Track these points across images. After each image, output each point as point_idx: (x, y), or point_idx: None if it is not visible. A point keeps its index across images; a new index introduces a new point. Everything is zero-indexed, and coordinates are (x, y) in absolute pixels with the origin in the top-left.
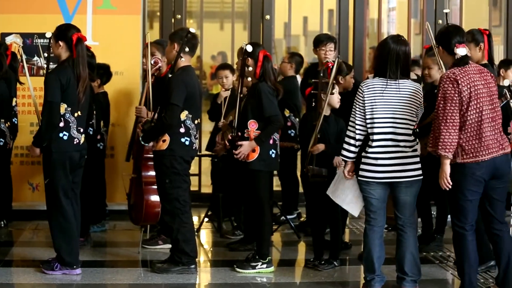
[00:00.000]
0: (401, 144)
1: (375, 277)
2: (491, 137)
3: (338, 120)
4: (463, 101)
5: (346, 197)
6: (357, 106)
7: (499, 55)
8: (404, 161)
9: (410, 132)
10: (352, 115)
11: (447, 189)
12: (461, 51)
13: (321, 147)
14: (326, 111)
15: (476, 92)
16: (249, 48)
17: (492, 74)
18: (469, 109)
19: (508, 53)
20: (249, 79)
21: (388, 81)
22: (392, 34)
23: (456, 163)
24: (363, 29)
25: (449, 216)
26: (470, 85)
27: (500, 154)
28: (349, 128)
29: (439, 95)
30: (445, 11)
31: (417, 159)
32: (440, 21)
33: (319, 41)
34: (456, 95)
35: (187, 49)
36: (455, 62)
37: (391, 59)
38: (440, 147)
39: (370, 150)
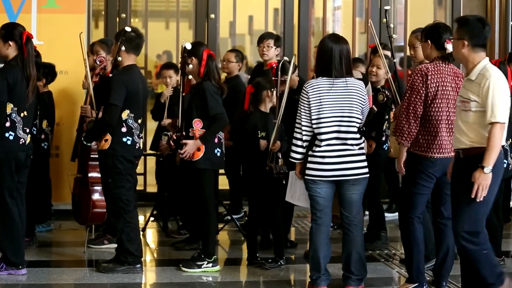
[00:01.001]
0: (348, 142)
1: (321, 275)
2: (446, 138)
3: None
4: (428, 96)
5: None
6: (302, 107)
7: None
8: (350, 159)
9: (357, 130)
10: (297, 117)
11: (403, 174)
12: (450, 47)
13: (278, 145)
14: (267, 109)
15: (443, 92)
16: (188, 46)
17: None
18: (432, 105)
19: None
20: (190, 77)
21: (335, 80)
22: (329, 34)
23: (411, 153)
24: (308, 27)
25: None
26: (439, 83)
27: (450, 156)
28: (296, 129)
29: (408, 85)
30: (385, 8)
31: (364, 157)
32: (385, 20)
33: (259, 38)
34: (423, 88)
35: (123, 48)
36: (444, 56)
37: (335, 58)
38: (398, 135)
39: (318, 149)
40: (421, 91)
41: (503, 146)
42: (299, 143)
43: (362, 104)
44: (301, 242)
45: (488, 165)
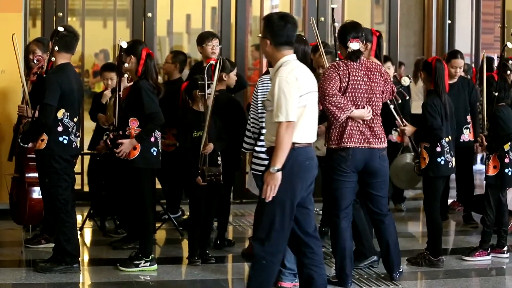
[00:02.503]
0: None
1: (283, 270)
2: (356, 130)
3: (215, 117)
4: (341, 87)
5: None
6: (252, 100)
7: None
8: None
9: None
10: (250, 109)
11: None
12: (353, 45)
13: (210, 147)
14: (199, 108)
15: (353, 86)
16: (124, 45)
17: (383, 75)
18: (345, 96)
19: (390, 50)
20: (126, 75)
21: None
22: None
23: (329, 149)
24: (246, 26)
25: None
26: (350, 78)
27: (363, 147)
28: (248, 121)
29: (321, 79)
30: (332, 6)
31: None
32: (323, 18)
33: (204, 37)
34: (337, 77)
35: (56, 48)
36: (347, 55)
37: None
38: (337, 113)
39: (260, 143)
40: (335, 78)
41: (441, 144)
42: (248, 134)
43: None
44: (238, 240)
45: (274, 165)
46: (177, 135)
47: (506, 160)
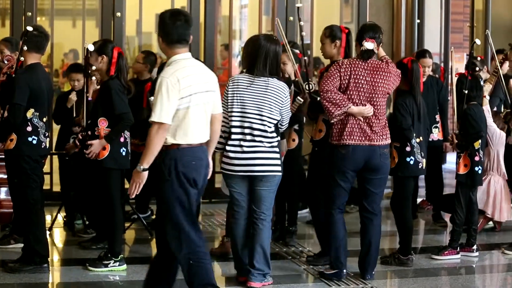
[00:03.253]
0: (259, 139)
1: (243, 267)
2: (357, 127)
3: None
4: (342, 84)
5: None
6: (223, 100)
7: None
8: (260, 155)
9: (270, 129)
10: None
11: None
12: (368, 44)
13: None
14: None
15: (355, 84)
16: (91, 47)
17: (391, 73)
18: (345, 94)
19: None
20: (94, 78)
21: (255, 78)
22: (265, 33)
23: (330, 144)
24: (214, 26)
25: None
26: (351, 76)
27: (364, 144)
28: None
29: (324, 75)
30: (297, 5)
31: (276, 155)
32: (291, 18)
33: None
34: (337, 75)
35: (25, 48)
36: (360, 53)
37: (260, 56)
38: (331, 108)
39: (230, 143)
40: (336, 76)
41: (411, 144)
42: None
43: (280, 105)
44: (208, 240)
45: (141, 164)
46: (142, 136)
47: (477, 159)
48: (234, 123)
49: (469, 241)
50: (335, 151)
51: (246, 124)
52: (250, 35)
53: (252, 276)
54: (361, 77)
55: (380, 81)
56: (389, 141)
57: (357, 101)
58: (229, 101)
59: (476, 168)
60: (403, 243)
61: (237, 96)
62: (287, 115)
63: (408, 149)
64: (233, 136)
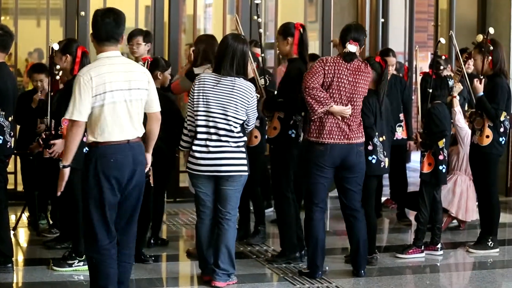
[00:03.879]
0: (224, 139)
1: (207, 266)
2: (336, 126)
3: None
4: (325, 82)
5: None
6: (189, 98)
7: (315, 50)
8: (226, 155)
9: (236, 129)
10: (187, 108)
11: None
12: (351, 47)
13: None
14: None
15: (337, 83)
16: (56, 46)
17: (369, 75)
18: (328, 92)
19: (323, 49)
20: (58, 77)
21: (222, 78)
22: (233, 32)
23: (307, 141)
24: (179, 25)
25: (267, 210)
26: (335, 74)
27: (343, 143)
28: (185, 120)
29: (307, 71)
30: (256, 2)
31: (242, 155)
32: (256, 17)
33: (129, 36)
34: (322, 72)
35: None
36: (342, 55)
37: (227, 56)
38: (315, 106)
39: (196, 142)
40: (320, 72)
41: (373, 142)
42: (185, 132)
43: (246, 105)
44: (173, 240)
45: (62, 161)
46: None
47: (441, 157)
48: (199, 123)
49: (433, 239)
50: (312, 147)
51: (211, 124)
52: (214, 34)
53: (216, 276)
54: (344, 77)
55: (361, 82)
56: (364, 138)
57: (338, 100)
58: (194, 100)
59: (441, 167)
60: (367, 242)
61: (202, 96)
62: (254, 115)
63: (370, 147)
64: (198, 136)
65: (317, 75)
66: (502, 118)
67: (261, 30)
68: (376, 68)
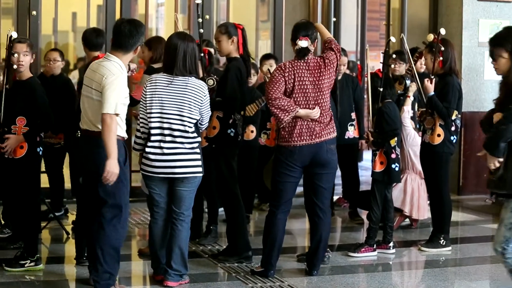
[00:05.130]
0: (179, 140)
1: (160, 266)
2: (306, 128)
3: None
4: (287, 88)
5: None
6: (141, 100)
7: (267, 49)
8: (180, 157)
9: (191, 129)
10: (139, 110)
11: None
12: (302, 43)
13: None
14: None
15: (300, 87)
16: (15, 34)
17: (330, 65)
18: (291, 97)
19: (275, 48)
20: (15, 66)
21: (174, 78)
22: (178, 31)
23: (278, 146)
24: None
25: (220, 208)
26: (295, 79)
27: (313, 143)
28: (138, 122)
29: (268, 81)
30: (196, 1)
31: (197, 156)
32: (208, 16)
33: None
34: (282, 80)
35: None
36: (295, 52)
37: (178, 56)
38: (281, 115)
39: (149, 144)
40: (281, 81)
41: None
42: (138, 134)
43: (199, 104)
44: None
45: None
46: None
47: (393, 156)
48: (153, 124)
49: (385, 238)
50: (281, 148)
51: (166, 125)
52: (166, 33)
53: (168, 276)
54: (305, 79)
55: (324, 78)
56: (335, 134)
57: (303, 103)
58: (147, 102)
59: (393, 166)
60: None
61: (155, 97)
62: (207, 114)
63: None
64: (152, 138)
65: (277, 84)
66: (453, 117)
67: (202, 30)
68: None
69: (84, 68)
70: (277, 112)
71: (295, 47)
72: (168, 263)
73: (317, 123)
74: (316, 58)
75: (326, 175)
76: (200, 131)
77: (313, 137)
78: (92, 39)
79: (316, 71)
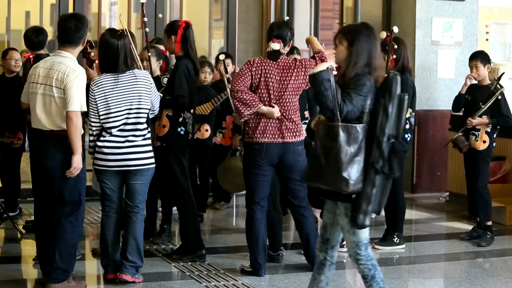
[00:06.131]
0: (131, 133)
1: (109, 262)
2: (269, 125)
3: None
4: (253, 83)
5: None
6: (89, 104)
7: (221, 48)
8: (134, 149)
9: (143, 121)
10: (89, 110)
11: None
12: (274, 45)
13: None
14: None
15: (266, 84)
16: None
17: (305, 68)
18: (256, 92)
19: (229, 47)
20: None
21: (120, 75)
22: (109, 29)
23: (245, 142)
24: None
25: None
26: (262, 75)
27: (277, 142)
28: (88, 124)
29: (236, 74)
30: (141, 1)
31: (149, 148)
32: (161, 15)
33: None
34: (249, 74)
35: None
36: (267, 54)
37: (120, 54)
38: (241, 108)
39: (103, 139)
40: (247, 74)
41: None
42: (92, 138)
43: (148, 93)
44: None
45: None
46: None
47: None
48: (110, 124)
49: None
50: (249, 147)
51: (122, 121)
52: None
53: (124, 269)
54: (272, 76)
55: (292, 78)
56: (302, 137)
57: (267, 100)
58: (98, 102)
59: None
60: (271, 239)
61: (105, 96)
62: (157, 100)
63: None
64: (108, 135)
65: (243, 77)
66: (407, 115)
67: (147, 29)
68: None
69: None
70: (238, 105)
71: (267, 48)
72: (123, 255)
73: (282, 123)
74: (288, 59)
75: (294, 178)
76: (151, 116)
77: (276, 136)
78: (33, 39)
79: (285, 70)
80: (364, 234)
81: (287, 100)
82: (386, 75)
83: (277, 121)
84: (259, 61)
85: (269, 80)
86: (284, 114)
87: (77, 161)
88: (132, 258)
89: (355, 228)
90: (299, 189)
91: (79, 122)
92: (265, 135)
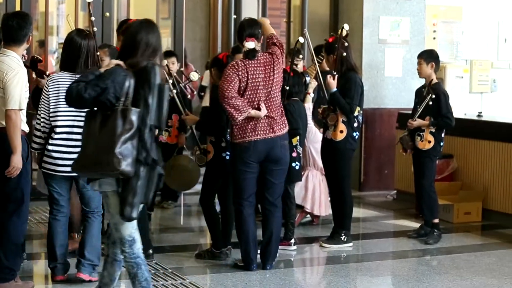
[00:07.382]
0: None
1: (57, 264)
2: (260, 122)
3: None
4: (241, 87)
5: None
6: (42, 99)
7: (168, 47)
8: None
9: None
10: (40, 108)
11: None
12: (249, 44)
13: None
14: None
15: (253, 84)
16: None
17: (278, 62)
18: (245, 95)
19: (176, 45)
20: None
21: (77, 75)
22: (77, 29)
23: (232, 143)
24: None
25: None
26: (248, 77)
27: (267, 137)
28: (37, 120)
29: (222, 79)
30: (88, 0)
31: None
32: (108, 14)
33: None
34: (236, 78)
35: None
36: (243, 54)
37: (82, 54)
38: (235, 114)
39: (52, 142)
40: (235, 79)
41: (226, 139)
42: (38, 133)
43: None
44: (26, 238)
45: None
46: None
47: (294, 155)
48: (58, 123)
49: (286, 234)
50: (238, 146)
51: (70, 123)
52: (66, 31)
53: (82, 267)
54: (257, 76)
55: (274, 72)
56: (286, 129)
57: (255, 100)
58: (51, 100)
59: (294, 164)
60: (215, 238)
61: (57, 93)
62: None
63: (223, 144)
64: (55, 136)
65: (232, 82)
66: (356, 113)
67: (96, 29)
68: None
69: None
70: (232, 111)
71: (243, 48)
72: (81, 253)
73: (270, 118)
74: (265, 54)
75: (278, 171)
76: None
77: (267, 132)
78: None
79: (268, 67)
80: (127, 231)
81: (273, 96)
82: (335, 73)
83: (265, 118)
84: (242, 64)
85: (256, 80)
86: (271, 109)
87: (15, 161)
88: (90, 256)
89: (124, 220)
90: (277, 185)
91: (18, 121)
92: (256, 133)
